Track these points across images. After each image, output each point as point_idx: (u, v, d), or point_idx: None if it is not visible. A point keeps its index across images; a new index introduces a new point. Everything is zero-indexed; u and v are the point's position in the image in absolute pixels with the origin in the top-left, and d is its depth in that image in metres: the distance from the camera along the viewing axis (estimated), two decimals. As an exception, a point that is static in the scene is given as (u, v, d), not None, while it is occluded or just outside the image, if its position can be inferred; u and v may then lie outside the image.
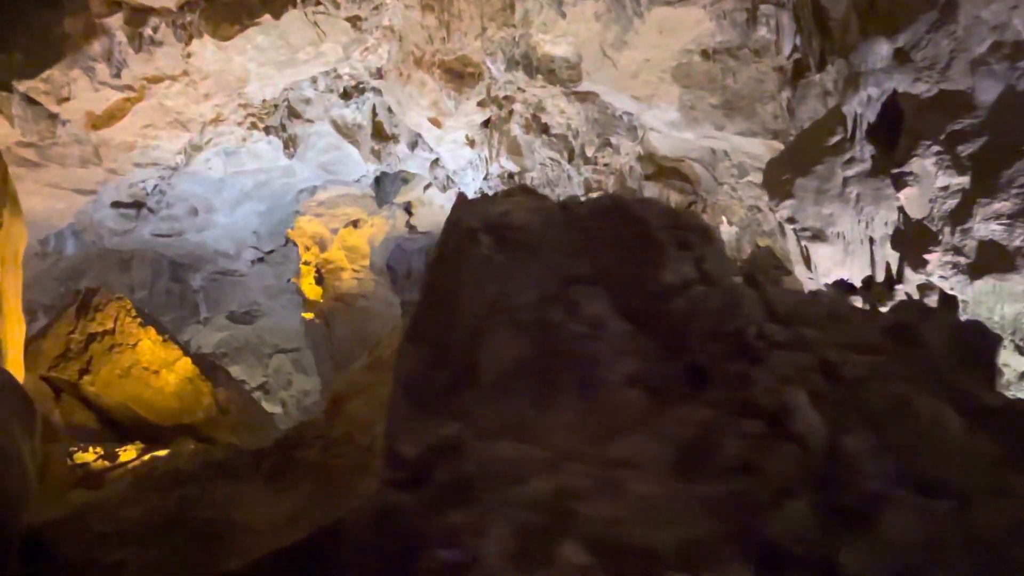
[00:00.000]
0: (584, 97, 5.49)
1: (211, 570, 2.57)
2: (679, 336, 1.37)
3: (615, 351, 1.36)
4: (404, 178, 10.01)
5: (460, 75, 5.40)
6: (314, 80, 6.67)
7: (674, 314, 1.44)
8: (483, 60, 5.21)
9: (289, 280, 10.53)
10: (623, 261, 1.58)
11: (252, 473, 3.30)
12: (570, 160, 6.17)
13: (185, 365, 4.57)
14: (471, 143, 6.63)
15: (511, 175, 7.28)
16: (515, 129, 6.31)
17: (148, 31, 4.99)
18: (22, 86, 5.23)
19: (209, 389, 4.56)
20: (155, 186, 7.10)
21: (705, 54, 4.22)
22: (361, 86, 6.88)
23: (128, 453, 3.48)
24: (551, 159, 6.39)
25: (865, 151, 2.96)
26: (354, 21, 5.21)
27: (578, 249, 1.62)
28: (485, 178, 7.28)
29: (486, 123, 6.45)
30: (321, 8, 4.99)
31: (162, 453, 3.44)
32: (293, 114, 7.05)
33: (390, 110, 7.04)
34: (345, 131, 7.35)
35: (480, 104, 5.77)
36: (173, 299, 9.83)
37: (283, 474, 3.23)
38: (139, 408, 4.33)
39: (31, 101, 5.42)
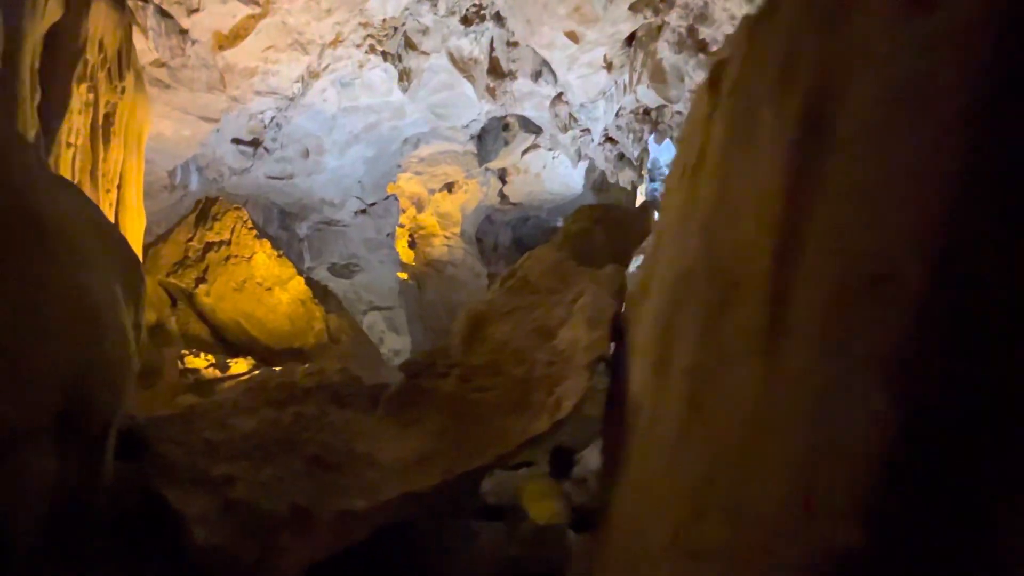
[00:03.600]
0: None
1: (334, 505, 2.00)
2: None
3: None
4: (505, 140, 9.52)
5: (616, -34, 4.53)
6: (435, 3, 6.25)
7: None
8: (647, -55, 4.28)
9: (388, 234, 10.44)
10: None
11: (372, 403, 2.74)
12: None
13: (298, 285, 4.22)
14: (608, 66, 5.74)
15: (647, 112, 6.34)
16: (663, 49, 5.34)
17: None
18: (156, -6, 5.13)
19: (321, 314, 4.18)
20: (272, 118, 7.06)
21: None
22: (483, 12, 6.44)
23: (239, 366, 3.11)
24: (704, 87, 5.35)
25: None
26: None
27: None
28: (617, 114, 6.37)
29: (630, 41, 5.53)
30: None
31: (276, 369, 3.02)
32: (409, 45, 6.77)
33: (508, 44, 6.52)
34: (461, 64, 6.97)
35: (632, 7, 4.85)
36: (281, 246, 9.99)
37: (411, 406, 2.64)
38: (251, 327, 4.03)
39: (164, 14, 5.35)
